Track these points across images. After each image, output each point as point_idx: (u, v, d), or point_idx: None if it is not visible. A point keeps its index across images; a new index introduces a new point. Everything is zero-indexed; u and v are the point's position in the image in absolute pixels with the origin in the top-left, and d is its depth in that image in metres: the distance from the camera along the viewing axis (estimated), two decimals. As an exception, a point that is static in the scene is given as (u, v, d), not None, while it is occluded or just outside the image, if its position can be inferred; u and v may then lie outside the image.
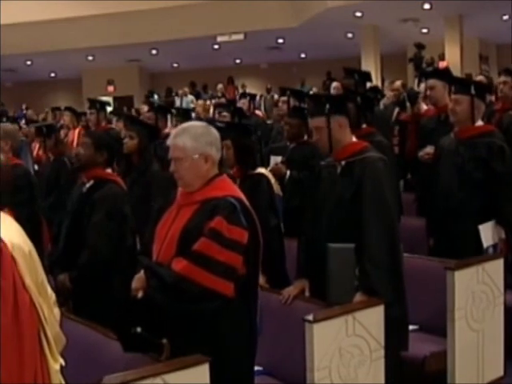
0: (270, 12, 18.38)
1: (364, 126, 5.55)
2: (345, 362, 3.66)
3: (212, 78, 21.01)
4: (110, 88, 24.06)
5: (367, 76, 7.31)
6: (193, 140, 3.25)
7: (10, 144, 5.77)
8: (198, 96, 19.64)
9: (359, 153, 4.02)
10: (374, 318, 3.77)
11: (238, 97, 19.85)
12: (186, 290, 3.12)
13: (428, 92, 6.13)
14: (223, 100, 19.38)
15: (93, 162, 4.67)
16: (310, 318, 3.53)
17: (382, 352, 3.82)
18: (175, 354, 3.21)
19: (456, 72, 15.97)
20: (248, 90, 20.46)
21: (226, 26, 19.24)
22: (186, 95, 18.82)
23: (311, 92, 16.79)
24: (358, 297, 3.86)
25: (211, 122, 5.63)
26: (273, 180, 4.81)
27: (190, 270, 3.10)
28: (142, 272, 3.30)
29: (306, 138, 6.31)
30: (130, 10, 19.59)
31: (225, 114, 7.67)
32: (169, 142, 3.35)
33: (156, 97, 20.47)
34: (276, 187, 4.82)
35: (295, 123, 6.19)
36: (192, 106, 18.26)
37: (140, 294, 3.25)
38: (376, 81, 17.57)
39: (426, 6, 16.62)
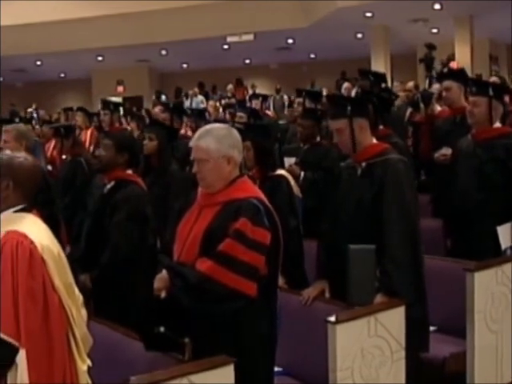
0: (279, 12, 18.40)
1: (380, 127, 5.56)
2: (366, 363, 3.68)
3: (221, 79, 21.04)
4: (120, 88, 24.11)
5: (382, 77, 7.33)
6: (216, 142, 3.28)
7: (25, 144, 5.78)
8: (206, 96, 19.67)
9: (380, 154, 4.04)
10: (395, 319, 3.79)
11: (247, 97, 19.95)
12: (210, 290, 3.14)
13: (444, 93, 6.13)
14: (233, 100, 19.48)
15: (114, 164, 4.70)
16: (333, 319, 3.55)
17: (403, 353, 3.83)
18: (196, 353, 3.25)
19: (467, 72, 15.99)
20: (257, 91, 20.54)
21: (236, 27, 19.27)
22: (196, 96, 18.84)
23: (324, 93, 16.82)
24: (379, 298, 3.87)
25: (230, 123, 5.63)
26: (292, 181, 4.83)
27: (215, 271, 3.13)
28: (163, 272, 3.32)
29: (318, 139, 6.36)
30: (139, 10, 19.64)
31: (241, 114, 7.67)
32: (192, 143, 3.38)
33: (164, 97, 20.48)
34: (296, 189, 4.85)
35: (308, 124, 6.26)
36: (202, 106, 18.31)
37: (163, 294, 3.28)
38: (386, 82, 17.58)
39: (437, 7, 16.60)
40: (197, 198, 3.46)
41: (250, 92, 20.34)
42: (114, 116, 8.95)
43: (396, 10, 16.51)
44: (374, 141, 4.14)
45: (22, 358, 2.59)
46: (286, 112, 17.50)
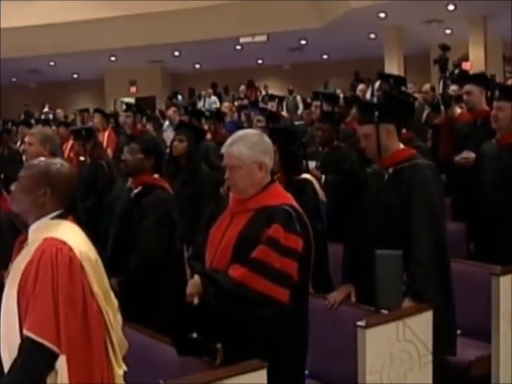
0: (293, 13, 18.40)
1: (403, 131, 5.57)
2: (395, 367, 3.70)
3: (234, 79, 21.07)
4: (133, 89, 24.14)
5: (402, 80, 7.34)
6: (248, 148, 3.32)
7: (49, 148, 5.83)
8: (219, 97, 19.71)
9: (407, 160, 4.06)
10: (423, 324, 3.81)
11: (260, 98, 19.98)
12: (243, 296, 3.17)
13: (465, 97, 6.15)
14: (246, 101, 19.51)
15: (141, 168, 4.72)
16: (363, 323, 3.57)
17: (430, 357, 3.85)
18: (228, 358, 3.28)
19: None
20: (270, 91, 20.56)
21: (249, 27, 19.28)
22: (209, 97, 18.87)
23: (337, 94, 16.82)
24: (407, 302, 3.89)
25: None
26: (317, 185, 4.86)
27: (248, 277, 3.15)
28: (196, 277, 3.35)
29: (336, 142, 6.40)
30: (153, 11, 19.68)
31: (259, 118, 7.71)
32: (224, 149, 3.41)
33: (180, 98, 20.51)
34: (320, 192, 4.87)
35: (327, 128, 6.31)
36: (215, 106, 18.34)
37: (196, 300, 3.31)
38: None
39: (451, 7, 16.58)
40: (228, 204, 3.50)
41: (263, 93, 20.40)
42: (136, 118, 8.97)
43: (410, 10, 16.50)
44: (401, 146, 4.16)
45: (62, 363, 2.63)
46: (299, 112, 17.60)
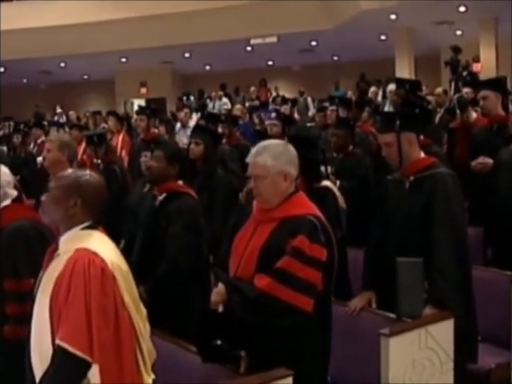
0: (303, 14, 18.38)
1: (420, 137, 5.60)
2: (417, 374, 3.73)
3: (244, 80, 21.08)
4: (143, 90, 24.19)
5: (418, 85, 7.37)
6: (273, 158, 3.35)
7: (67, 154, 5.87)
8: (229, 98, 19.72)
9: (428, 168, 4.10)
10: (444, 331, 3.83)
11: (271, 99, 20.01)
12: (268, 305, 3.20)
13: (481, 102, 6.17)
14: (257, 103, 19.53)
15: (166, 176, 4.74)
16: (387, 331, 3.60)
17: (451, 364, 3.88)
18: (251, 366, 3.32)
19: (492, 75, 15.94)
20: (280, 93, 20.59)
21: (260, 29, 19.27)
22: (220, 98, 18.88)
23: (348, 95, 16.83)
24: (428, 310, 3.93)
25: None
26: (337, 193, 4.88)
27: (273, 287, 3.19)
28: (220, 286, 3.39)
29: (351, 148, 6.43)
30: (163, 12, 19.70)
31: (275, 122, 7.73)
32: (249, 159, 3.45)
33: (192, 98, 20.56)
34: (341, 200, 4.89)
35: (342, 134, 6.35)
36: (225, 107, 18.36)
37: (220, 308, 3.35)
38: (410, 83, 17.56)
39: (462, 9, 16.54)
40: (252, 213, 3.53)
41: (274, 94, 20.43)
42: (150, 121, 9.01)
43: (421, 12, 16.47)
44: (422, 154, 4.19)
45: (95, 373, 2.68)
46: (309, 114, 17.63)
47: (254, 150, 3.45)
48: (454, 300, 3.93)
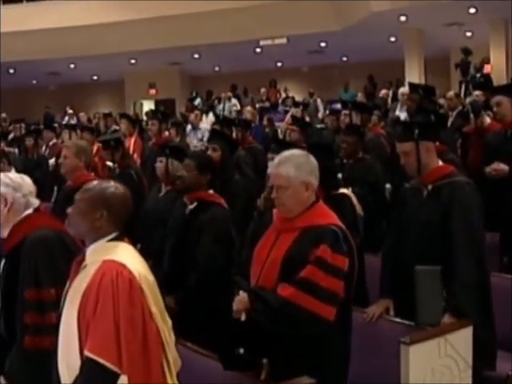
0: (313, 16, 18.39)
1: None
2: (436, 382, 3.75)
3: (253, 81, 21.09)
4: (152, 91, 24.24)
5: (432, 91, 7.38)
6: (295, 169, 3.40)
7: (84, 160, 5.91)
8: (238, 99, 19.74)
9: (446, 177, 4.12)
10: (463, 339, 3.85)
11: (280, 100, 20.03)
12: (291, 314, 3.25)
13: (495, 108, 6.17)
14: (267, 104, 19.55)
15: (197, 185, 4.77)
16: (407, 340, 3.62)
17: (470, 371, 3.90)
18: (273, 374, 3.36)
19: (501, 76, 15.94)
20: (290, 94, 20.62)
21: (269, 30, 19.29)
22: (229, 99, 18.90)
23: (357, 97, 16.83)
24: (447, 318, 3.96)
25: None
26: (355, 200, 4.91)
27: (297, 296, 3.23)
28: (243, 294, 3.43)
29: (360, 154, 6.45)
30: (173, 13, 19.72)
31: (293, 127, 7.74)
32: (271, 170, 3.50)
33: (198, 100, 20.59)
34: (358, 207, 4.92)
35: (352, 141, 6.37)
36: (235, 109, 18.39)
37: (243, 317, 3.39)
38: (421, 85, 17.57)
39: (472, 10, 16.53)
40: (273, 222, 3.57)
41: (283, 95, 20.45)
42: (162, 125, 9.03)
43: (431, 14, 16.46)
44: (440, 163, 4.22)
45: (123, 383, 2.71)
46: (319, 116, 17.64)
47: (276, 161, 3.49)
48: (473, 308, 3.96)
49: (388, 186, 6.81)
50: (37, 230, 3.43)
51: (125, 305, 2.73)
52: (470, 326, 3.87)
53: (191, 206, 4.80)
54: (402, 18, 17.42)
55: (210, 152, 5.92)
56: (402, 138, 4.18)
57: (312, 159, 3.49)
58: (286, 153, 3.53)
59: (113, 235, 2.97)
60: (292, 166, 3.40)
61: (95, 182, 3.12)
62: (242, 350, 3.37)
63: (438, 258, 4.03)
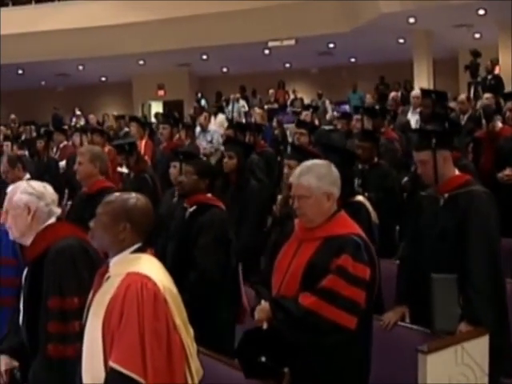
0: (322, 17, 18.40)
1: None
2: (453, 390, 3.79)
3: (261, 83, 21.09)
4: (161, 92, 24.29)
5: (444, 96, 7.40)
6: (317, 179, 3.44)
7: (99, 166, 5.94)
8: (247, 100, 19.77)
9: (463, 186, 4.15)
10: (479, 347, 3.89)
11: (288, 102, 20.05)
12: (313, 324, 3.28)
13: (508, 114, 6.21)
14: (276, 105, 19.58)
15: (196, 189, 4.88)
16: (424, 348, 3.66)
17: (486, 379, 3.93)
18: (294, 382, 3.39)
19: (509, 77, 15.92)
20: (299, 95, 20.63)
21: (278, 32, 19.32)
22: (237, 101, 18.92)
23: (366, 99, 16.85)
24: (463, 326, 3.98)
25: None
26: (370, 208, 4.93)
27: (319, 306, 3.26)
28: (264, 303, 3.47)
29: (376, 159, 6.48)
30: (181, 15, 19.76)
31: (302, 131, 7.77)
32: (293, 179, 3.53)
33: (203, 101, 20.62)
34: (373, 215, 4.94)
35: (367, 147, 6.40)
36: (243, 110, 18.42)
37: (265, 325, 3.43)
38: (428, 87, 17.58)
39: (481, 12, 16.54)
40: (294, 231, 3.60)
41: (292, 97, 20.47)
42: (173, 130, 9.06)
43: (440, 15, 16.47)
44: (457, 172, 4.25)
45: (150, 394, 2.75)
46: (327, 117, 17.65)
47: (297, 171, 3.53)
48: (489, 316, 3.98)
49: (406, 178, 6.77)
50: (62, 239, 3.46)
51: (149, 317, 2.76)
52: (487, 335, 3.91)
53: (190, 210, 4.89)
54: (411, 20, 17.44)
55: (226, 160, 5.99)
56: (419, 147, 4.21)
57: (334, 169, 3.53)
58: (308, 163, 3.57)
59: (136, 246, 3.00)
60: (314, 177, 3.44)
61: (116, 194, 3.12)
62: (263, 359, 3.41)
63: (454, 266, 4.06)
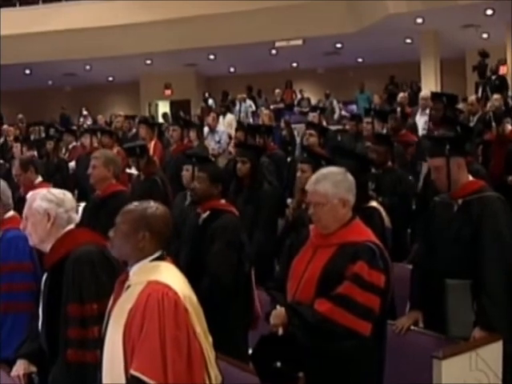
0: (329, 18, 18.41)
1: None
2: (467, 396, 3.81)
3: (268, 83, 21.10)
4: (168, 92, 24.30)
5: (454, 99, 7.42)
6: (333, 187, 3.48)
7: (113, 170, 5.98)
8: (254, 100, 19.77)
9: (477, 192, 4.17)
10: (493, 353, 3.91)
11: (296, 102, 20.06)
12: (328, 329, 3.32)
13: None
14: (281, 105, 19.60)
15: (209, 195, 4.90)
16: (439, 354, 3.69)
17: (500, 384, 3.97)
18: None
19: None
20: (305, 95, 20.64)
21: (285, 32, 19.34)
22: (244, 101, 18.92)
23: (374, 100, 16.86)
24: (477, 332, 4.01)
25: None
26: (384, 213, 4.96)
27: (334, 312, 3.31)
28: (280, 309, 3.51)
29: (390, 164, 6.49)
30: (188, 15, 19.78)
31: (311, 132, 7.78)
32: (308, 186, 3.56)
33: (211, 101, 20.65)
34: (387, 220, 4.96)
35: (382, 151, 6.40)
36: (251, 110, 18.42)
37: (280, 331, 3.46)
38: (436, 88, 17.60)
39: (489, 12, 16.54)
40: (309, 238, 3.63)
41: (299, 96, 20.48)
42: (183, 132, 9.08)
43: (448, 16, 16.47)
44: (471, 178, 4.27)
45: (173, 401, 2.78)
46: (335, 117, 17.67)
47: (313, 178, 3.57)
48: (502, 322, 4.00)
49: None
50: (82, 245, 3.48)
51: (170, 326, 2.79)
52: (500, 340, 3.93)
53: (204, 215, 4.91)
54: (419, 20, 17.44)
55: (239, 166, 6.02)
56: (433, 154, 4.23)
57: (349, 176, 3.57)
58: (324, 170, 3.61)
59: (156, 255, 3.03)
60: (330, 184, 3.48)
61: (135, 203, 3.14)
62: (278, 364, 3.44)
63: (468, 271, 4.08)
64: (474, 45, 17.84)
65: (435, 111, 7.07)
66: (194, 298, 2.99)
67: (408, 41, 19.77)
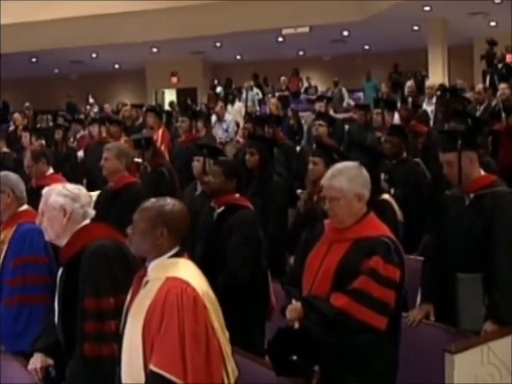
0: (336, 5, 18.38)
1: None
2: (479, 389, 3.85)
3: (274, 70, 21.09)
4: (174, 80, 24.25)
5: (456, 92, 7.40)
6: (349, 182, 3.51)
7: (125, 162, 6.01)
8: (260, 88, 19.74)
9: (488, 186, 4.19)
10: (504, 347, 3.95)
11: (302, 89, 20.04)
12: (345, 324, 3.35)
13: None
14: (287, 93, 19.57)
15: (224, 190, 4.87)
16: (452, 348, 3.72)
17: (510, 378, 4.00)
18: (324, 380, 3.47)
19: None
20: (313, 83, 20.62)
21: (292, 19, 19.30)
22: (251, 89, 18.88)
23: (381, 88, 16.81)
24: (488, 325, 4.04)
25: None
26: (396, 206, 4.97)
27: (351, 306, 3.34)
28: (296, 303, 3.55)
29: (405, 155, 6.48)
30: (195, 3, 19.78)
31: (320, 122, 7.78)
32: (324, 181, 3.59)
33: (220, 88, 20.64)
34: (399, 214, 4.98)
35: (396, 142, 6.39)
36: (257, 98, 18.40)
37: (296, 325, 3.50)
38: (443, 76, 17.57)
39: (497, 0, 16.49)
40: (324, 232, 3.66)
41: (305, 84, 20.46)
42: (192, 122, 9.09)
43: (455, 3, 16.40)
44: (482, 172, 4.29)
45: (188, 396, 2.82)
46: (344, 105, 17.62)
47: (329, 173, 3.59)
48: (513, 316, 4.03)
49: None
50: (97, 240, 3.51)
51: (189, 321, 2.83)
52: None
53: (219, 210, 4.89)
54: (426, 8, 17.38)
55: (248, 157, 6.01)
56: (445, 148, 4.25)
57: (364, 171, 3.60)
58: (339, 165, 3.64)
59: (173, 251, 3.06)
60: (345, 179, 3.51)
61: (153, 200, 3.15)
62: (294, 357, 3.48)
63: (479, 265, 4.11)
64: (482, 32, 17.80)
65: (445, 107, 7.05)
66: (212, 294, 3.02)
67: (415, 28, 19.71)
